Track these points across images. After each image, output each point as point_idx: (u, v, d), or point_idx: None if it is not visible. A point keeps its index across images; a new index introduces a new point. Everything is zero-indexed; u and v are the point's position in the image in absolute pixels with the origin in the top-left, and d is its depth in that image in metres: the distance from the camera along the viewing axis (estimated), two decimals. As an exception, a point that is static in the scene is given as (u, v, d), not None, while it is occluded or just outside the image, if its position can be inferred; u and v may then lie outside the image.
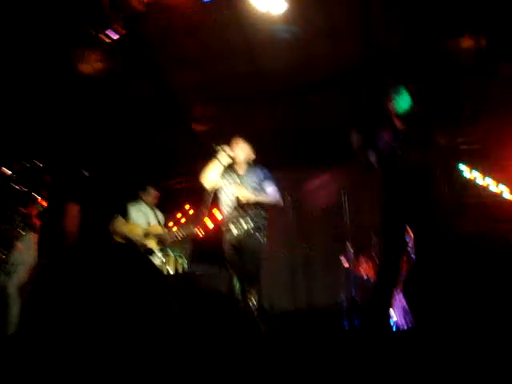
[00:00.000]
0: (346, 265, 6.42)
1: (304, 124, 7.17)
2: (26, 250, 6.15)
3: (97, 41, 4.82)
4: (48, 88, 6.03)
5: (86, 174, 7.86)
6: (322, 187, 7.25)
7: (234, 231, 4.91)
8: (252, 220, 4.91)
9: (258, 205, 4.95)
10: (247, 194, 4.91)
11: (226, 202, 5.03)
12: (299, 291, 6.49)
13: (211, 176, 5.06)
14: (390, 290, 4.22)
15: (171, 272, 6.62)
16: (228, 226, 4.98)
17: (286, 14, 5.13)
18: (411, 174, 4.12)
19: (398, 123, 4.27)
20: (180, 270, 6.69)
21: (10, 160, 5.87)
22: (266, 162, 5.69)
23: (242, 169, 5.16)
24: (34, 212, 6.20)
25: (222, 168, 5.06)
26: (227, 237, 4.99)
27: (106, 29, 4.70)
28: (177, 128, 7.14)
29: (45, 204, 6.13)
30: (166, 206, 7.63)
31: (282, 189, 5.21)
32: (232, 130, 5.47)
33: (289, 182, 7.22)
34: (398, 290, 5.32)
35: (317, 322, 6.35)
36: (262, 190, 5.06)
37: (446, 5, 5.57)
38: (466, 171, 7.63)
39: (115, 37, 4.71)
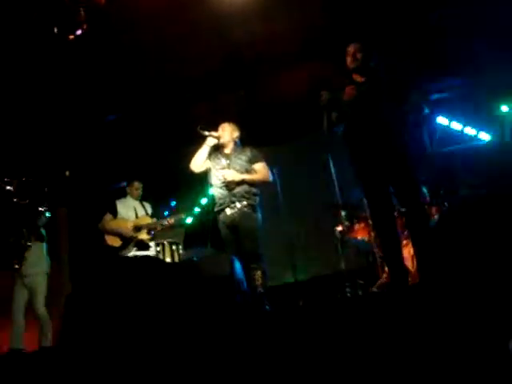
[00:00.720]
0: (340, 228, 6.44)
1: (281, 97, 7.09)
2: (37, 260, 6.21)
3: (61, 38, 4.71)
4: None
5: (67, 174, 7.88)
6: (306, 158, 7.26)
7: (228, 211, 4.95)
8: (244, 198, 4.94)
9: (248, 183, 4.98)
10: (235, 174, 4.95)
11: (216, 183, 5.06)
12: (298, 263, 6.48)
13: (198, 160, 5.14)
14: (391, 246, 4.14)
15: (168, 260, 6.63)
16: (220, 206, 5.02)
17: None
18: (378, 127, 4.07)
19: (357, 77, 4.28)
20: (176, 258, 6.70)
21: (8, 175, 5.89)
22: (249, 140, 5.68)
23: (229, 149, 5.18)
24: (40, 222, 6.23)
25: (209, 150, 5.13)
26: (221, 218, 5.04)
27: (70, 25, 4.60)
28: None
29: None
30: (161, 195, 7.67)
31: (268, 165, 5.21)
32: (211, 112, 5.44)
33: (273, 158, 7.25)
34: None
35: (319, 291, 6.42)
36: (251, 167, 5.08)
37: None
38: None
39: (79, 32, 4.60)
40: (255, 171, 5.08)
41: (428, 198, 6.52)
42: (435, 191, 6.48)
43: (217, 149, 5.22)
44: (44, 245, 6.37)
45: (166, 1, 5.23)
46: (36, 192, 6.15)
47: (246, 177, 5.00)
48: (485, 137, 7.68)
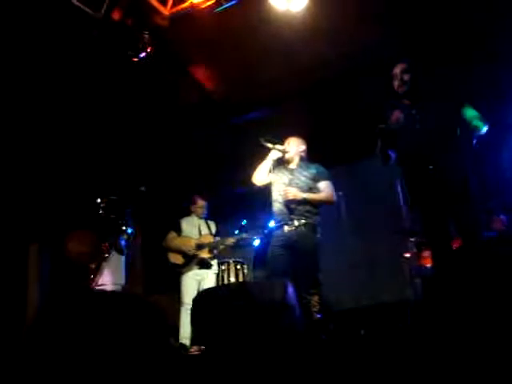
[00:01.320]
0: (408, 255, 6.20)
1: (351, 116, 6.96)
2: (115, 270, 6.40)
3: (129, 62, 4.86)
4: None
5: (143, 189, 8.08)
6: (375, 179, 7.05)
7: (285, 228, 4.75)
8: (303, 217, 4.73)
9: (309, 202, 4.77)
10: (296, 192, 4.73)
11: (277, 198, 4.88)
12: (362, 288, 6.31)
13: (261, 173, 4.98)
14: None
15: (232, 279, 6.65)
16: (278, 223, 4.84)
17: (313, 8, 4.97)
18: (430, 154, 3.86)
19: (405, 101, 4.08)
20: (241, 278, 6.70)
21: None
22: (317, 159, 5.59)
23: (294, 164, 5.02)
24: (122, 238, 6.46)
25: (273, 164, 4.97)
26: (276, 235, 4.83)
27: (134, 48, 4.74)
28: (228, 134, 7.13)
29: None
30: (229, 214, 7.71)
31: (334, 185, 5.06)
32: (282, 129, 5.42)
33: (340, 178, 7.11)
34: None
35: (383, 320, 6.19)
36: (314, 185, 4.87)
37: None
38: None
39: (142, 55, 4.73)
40: (318, 190, 4.87)
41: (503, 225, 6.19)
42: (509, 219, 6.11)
43: (281, 163, 5.03)
44: (122, 258, 6.52)
45: (230, 27, 5.25)
46: (121, 209, 6.32)
47: (308, 195, 4.76)
48: None
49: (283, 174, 4.97)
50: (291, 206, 4.74)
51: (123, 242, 6.47)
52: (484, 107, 3.93)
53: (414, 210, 4.12)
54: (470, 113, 3.88)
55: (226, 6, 4.71)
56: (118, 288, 6.34)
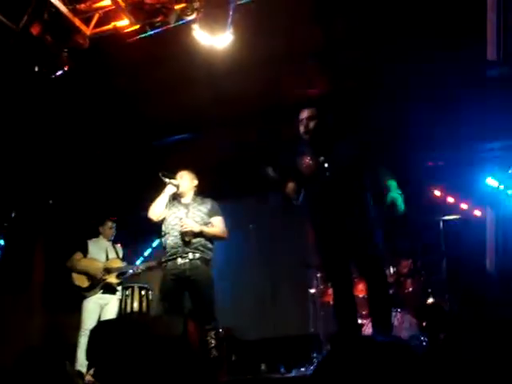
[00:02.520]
0: (312, 291, 6.30)
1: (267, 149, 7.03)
2: None
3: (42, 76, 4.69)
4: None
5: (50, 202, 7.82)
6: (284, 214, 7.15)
7: (179, 261, 4.71)
8: (198, 251, 4.75)
9: (204, 236, 4.80)
10: (194, 224, 4.76)
11: (170, 232, 4.84)
12: (266, 320, 6.37)
13: (158, 208, 4.94)
14: (343, 319, 3.99)
15: (135, 305, 6.51)
16: (171, 256, 4.78)
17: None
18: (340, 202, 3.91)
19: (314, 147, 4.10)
20: (144, 304, 6.57)
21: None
22: (225, 190, 5.56)
23: (188, 198, 5.03)
24: None
25: (168, 198, 4.95)
26: (168, 267, 4.79)
27: (51, 66, 4.57)
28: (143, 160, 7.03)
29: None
30: (135, 240, 7.57)
31: (242, 218, 5.08)
32: (194, 158, 5.37)
33: (250, 211, 7.16)
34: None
35: (284, 353, 6.24)
36: (209, 220, 4.92)
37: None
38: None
39: (59, 72, 4.57)
40: (212, 225, 4.91)
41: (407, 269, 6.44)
42: (414, 262, 6.35)
43: (174, 197, 5.03)
44: None
45: (153, 52, 5.21)
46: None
47: (205, 229, 4.81)
48: (478, 213, 7.45)
49: (177, 208, 4.96)
50: (186, 239, 4.74)
51: None
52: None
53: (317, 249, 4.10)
54: (394, 192, 3.93)
55: (151, 33, 4.63)
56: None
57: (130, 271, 6.09)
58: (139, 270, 6.08)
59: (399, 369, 1.77)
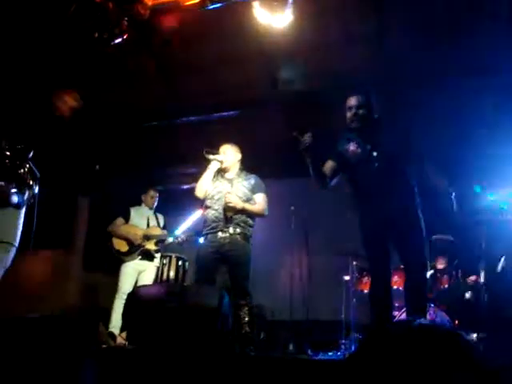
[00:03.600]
0: (348, 278, 6.30)
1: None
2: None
3: (100, 44, 4.77)
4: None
5: (97, 167, 7.98)
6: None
7: (219, 234, 4.75)
8: (239, 226, 4.78)
9: (245, 212, 4.82)
10: (238, 200, 4.78)
11: (213, 205, 4.88)
12: (298, 302, 6.41)
13: (203, 186, 4.97)
14: (378, 310, 4.00)
15: (172, 275, 6.65)
16: (212, 230, 4.82)
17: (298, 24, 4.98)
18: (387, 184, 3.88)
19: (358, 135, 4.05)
20: (181, 274, 6.70)
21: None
22: (270, 169, 5.57)
23: (232, 173, 5.04)
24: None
25: (213, 174, 4.99)
26: (208, 240, 4.83)
27: (109, 32, 4.65)
28: (182, 132, 7.10)
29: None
30: (177, 209, 7.69)
31: (285, 199, 5.06)
32: (240, 136, 5.40)
33: (293, 192, 7.17)
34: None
35: (314, 336, 6.29)
36: (252, 196, 4.93)
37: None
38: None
39: (118, 40, 4.65)
40: (255, 201, 4.92)
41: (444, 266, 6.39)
42: (452, 260, 6.30)
43: (218, 172, 5.05)
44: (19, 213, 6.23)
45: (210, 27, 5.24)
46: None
47: (247, 206, 4.82)
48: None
49: (220, 182, 4.98)
50: (228, 214, 4.77)
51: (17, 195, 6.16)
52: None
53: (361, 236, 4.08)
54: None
55: (211, 7, 4.66)
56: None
57: (169, 239, 6.20)
58: (178, 239, 6.17)
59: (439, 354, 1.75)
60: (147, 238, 6.17)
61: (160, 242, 6.22)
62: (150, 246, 6.17)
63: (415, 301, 3.90)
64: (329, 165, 4.13)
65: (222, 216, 4.78)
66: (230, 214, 4.77)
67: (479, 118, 6.22)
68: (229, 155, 5.02)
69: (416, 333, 1.84)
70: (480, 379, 1.72)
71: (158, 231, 6.27)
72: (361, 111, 4.02)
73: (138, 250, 6.13)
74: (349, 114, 4.07)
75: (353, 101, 4.06)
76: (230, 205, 4.74)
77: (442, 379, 1.69)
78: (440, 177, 4.00)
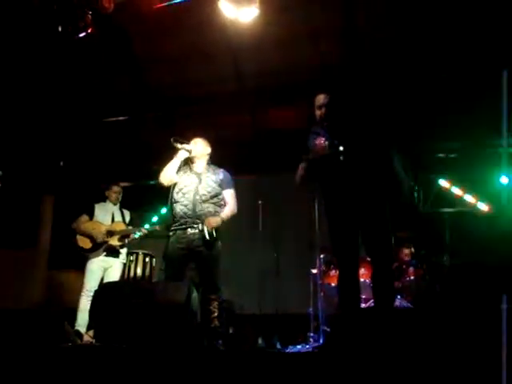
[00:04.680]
0: (315, 271, 6.33)
1: (279, 127, 7.05)
2: None
3: (64, 37, 4.70)
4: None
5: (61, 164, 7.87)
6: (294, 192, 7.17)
7: (189, 231, 4.70)
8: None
9: (213, 207, 4.79)
10: (215, 221, 4.71)
11: (181, 200, 4.81)
12: (266, 296, 6.44)
13: (168, 173, 4.89)
14: (346, 302, 4.04)
15: (139, 272, 6.60)
16: (180, 226, 4.76)
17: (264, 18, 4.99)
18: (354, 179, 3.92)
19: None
20: (147, 271, 6.67)
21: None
22: (237, 164, 5.57)
23: (200, 167, 4.98)
24: None
25: (180, 164, 4.92)
26: (177, 235, 4.77)
27: (74, 26, 4.58)
28: (152, 125, 7.05)
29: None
30: (144, 204, 7.63)
31: (253, 192, 5.05)
32: (204, 130, 5.38)
33: (262, 187, 7.19)
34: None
35: (282, 329, 6.31)
36: (220, 191, 4.89)
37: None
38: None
39: (82, 34, 4.58)
40: (223, 196, 4.89)
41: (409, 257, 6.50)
42: (417, 251, 6.40)
43: (186, 163, 4.99)
44: None
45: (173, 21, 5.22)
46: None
47: (224, 216, 4.79)
48: (485, 208, 7.44)
49: (189, 176, 4.91)
50: (197, 209, 4.73)
51: None
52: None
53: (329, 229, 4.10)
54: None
55: (175, 1, 4.64)
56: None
57: (133, 234, 6.12)
58: (142, 233, 6.10)
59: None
60: (110, 233, 6.08)
61: (124, 237, 6.13)
62: (114, 241, 6.07)
63: (382, 292, 3.95)
64: (302, 166, 4.14)
65: (190, 212, 4.73)
66: (199, 209, 4.71)
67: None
68: (198, 146, 4.97)
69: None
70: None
71: (121, 227, 6.17)
72: (330, 109, 4.03)
73: (101, 246, 6.03)
74: (318, 112, 4.08)
75: (322, 99, 4.07)
76: (214, 226, 4.69)
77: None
78: (405, 175, 4.04)
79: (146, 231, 6.12)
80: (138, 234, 6.13)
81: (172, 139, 4.84)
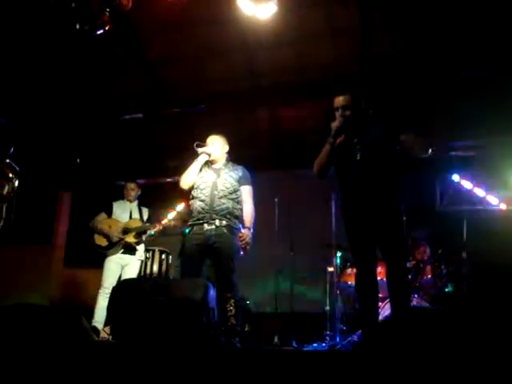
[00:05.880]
0: (331, 269, 6.31)
1: (295, 125, 7.03)
2: None
3: (82, 35, 4.71)
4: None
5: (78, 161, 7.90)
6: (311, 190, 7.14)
7: (205, 226, 4.68)
8: (225, 218, 4.71)
9: (232, 204, 4.78)
10: (247, 236, 4.76)
11: (200, 196, 4.80)
12: (283, 294, 6.43)
13: (189, 178, 4.89)
14: (365, 300, 4.02)
15: (155, 269, 6.61)
16: (198, 221, 4.75)
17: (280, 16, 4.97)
18: (371, 179, 3.88)
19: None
20: (164, 267, 6.67)
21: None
22: (254, 161, 5.56)
23: (219, 163, 4.97)
24: None
25: (200, 166, 4.92)
26: (193, 232, 4.76)
27: (91, 24, 4.59)
28: (167, 123, 7.07)
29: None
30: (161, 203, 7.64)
31: (269, 189, 5.02)
32: (221, 127, 5.38)
33: (278, 183, 7.17)
34: None
35: (298, 328, 6.29)
36: (238, 188, 4.87)
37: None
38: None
39: (99, 32, 4.58)
40: (240, 192, 4.87)
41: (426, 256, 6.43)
42: (434, 250, 6.34)
43: (205, 163, 4.98)
44: None
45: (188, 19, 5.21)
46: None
47: (250, 226, 4.85)
48: (493, 200, 7.37)
49: (207, 173, 4.91)
50: (215, 205, 4.72)
51: None
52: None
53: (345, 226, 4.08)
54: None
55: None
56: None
57: (149, 231, 6.14)
58: (158, 228, 6.12)
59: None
60: (126, 231, 6.10)
61: (140, 234, 6.14)
62: (130, 238, 6.08)
63: (399, 291, 3.92)
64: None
65: (208, 207, 4.72)
66: (217, 205, 4.71)
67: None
68: (216, 146, 4.96)
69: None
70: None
71: (137, 224, 6.19)
72: (348, 112, 3.97)
73: (116, 243, 6.06)
74: (336, 114, 4.02)
75: (340, 101, 4.02)
76: (250, 242, 4.80)
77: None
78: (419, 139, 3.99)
79: (161, 227, 6.13)
80: (153, 231, 6.15)
81: (195, 145, 4.86)
